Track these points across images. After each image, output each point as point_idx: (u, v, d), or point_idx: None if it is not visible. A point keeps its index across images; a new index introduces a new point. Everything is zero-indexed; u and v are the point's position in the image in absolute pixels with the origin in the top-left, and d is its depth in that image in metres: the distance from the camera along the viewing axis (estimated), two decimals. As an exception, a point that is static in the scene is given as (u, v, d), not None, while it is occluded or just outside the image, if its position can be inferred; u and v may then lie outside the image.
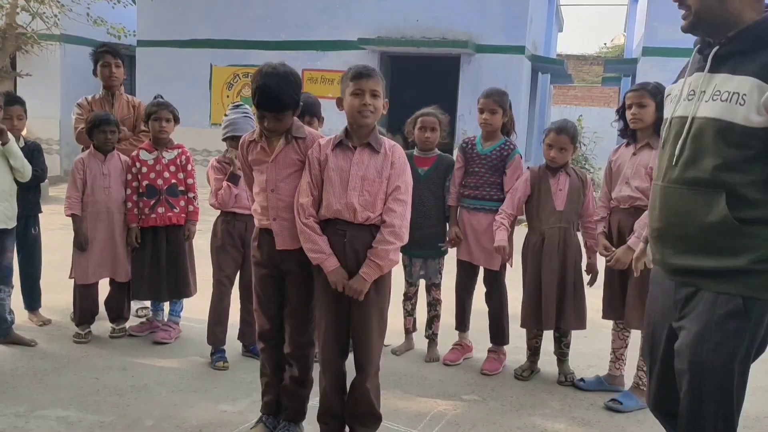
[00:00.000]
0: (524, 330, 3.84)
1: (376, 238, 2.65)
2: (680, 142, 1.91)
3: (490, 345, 4.01)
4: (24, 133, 4.43)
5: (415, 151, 4.01)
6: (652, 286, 2.15)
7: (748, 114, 1.76)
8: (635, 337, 3.61)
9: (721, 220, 1.81)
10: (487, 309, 4.01)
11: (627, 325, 3.53)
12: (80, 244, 4.09)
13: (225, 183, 3.72)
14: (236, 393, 3.42)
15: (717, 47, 1.87)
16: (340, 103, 2.74)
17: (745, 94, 1.77)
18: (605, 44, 28.16)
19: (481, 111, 3.88)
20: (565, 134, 3.62)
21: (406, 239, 2.70)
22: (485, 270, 3.96)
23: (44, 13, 10.62)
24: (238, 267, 3.84)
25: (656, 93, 3.28)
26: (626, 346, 3.64)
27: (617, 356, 3.65)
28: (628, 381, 3.60)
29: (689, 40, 1.97)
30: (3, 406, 3.14)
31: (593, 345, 4.24)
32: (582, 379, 3.73)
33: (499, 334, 3.98)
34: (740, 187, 1.80)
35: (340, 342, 2.78)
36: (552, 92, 18.64)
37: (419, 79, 12.84)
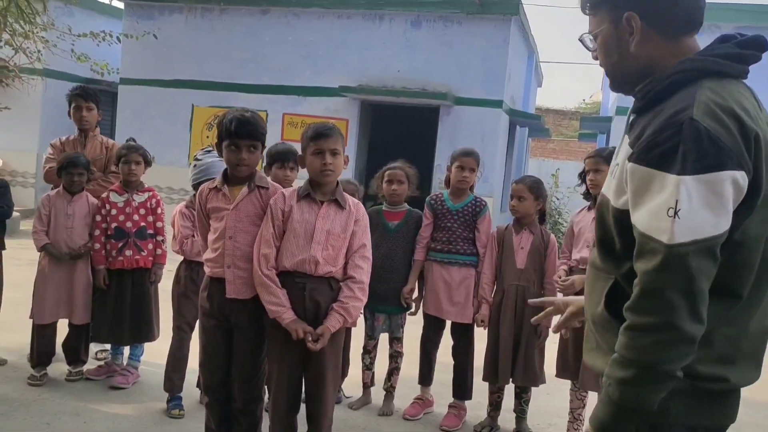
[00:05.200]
0: (487, 385, 3.86)
1: (344, 293, 2.70)
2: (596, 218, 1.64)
3: (452, 400, 4.01)
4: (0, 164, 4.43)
5: (384, 206, 4.06)
6: None
7: (617, 191, 1.46)
8: (594, 396, 3.63)
9: (601, 311, 1.51)
10: (448, 362, 4.02)
11: (582, 387, 3.56)
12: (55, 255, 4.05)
13: (192, 237, 3.71)
14: (190, 443, 3.37)
15: (632, 105, 1.56)
16: (302, 161, 2.80)
17: (618, 165, 1.48)
18: (584, 100, 28.75)
19: (461, 168, 3.92)
20: (522, 183, 3.77)
21: (367, 294, 2.75)
22: (454, 324, 3.98)
23: (28, 48, 10.66)
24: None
25: (611, 159, 3.40)
26: (584, 407, 3.66)
27: (575, 416, 3.67)
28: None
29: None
30: (-54, 450, 3.08)
31: (555, 403, 4.24)
32: (540, 438, 3.74)
33: (462, 388, 3.99)
34: (623, 277, 1.47)
35: (293, 395, 2.78)
36: (530, 145, 18.97)
37: (399, 128, 13.03)
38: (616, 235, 1.48)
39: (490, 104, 11.02)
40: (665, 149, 1.32)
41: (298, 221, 2.73)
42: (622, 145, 1.54)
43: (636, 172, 1.36)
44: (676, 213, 1.28)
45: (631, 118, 1.54)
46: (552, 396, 4.25)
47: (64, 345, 4.21)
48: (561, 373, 3.63)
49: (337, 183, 2.82)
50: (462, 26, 11.22)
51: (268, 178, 3.00)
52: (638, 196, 1.36)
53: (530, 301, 2.12)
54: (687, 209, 1.28)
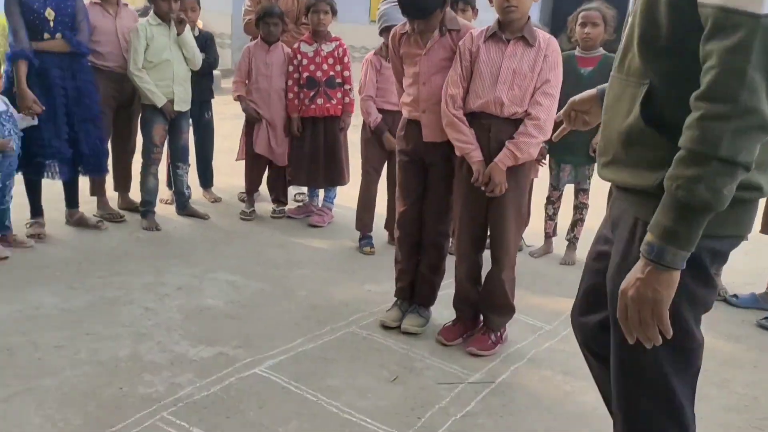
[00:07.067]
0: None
1: (519, 129, 2.65)
2: (629, 20, 1.48)
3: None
4: (200, 25, 4.77)
5: (577, 51, 3.84)
6: None
7: None
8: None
9: (634, 121, 1.40)
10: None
11: None
12: (252, 119, 4.42)
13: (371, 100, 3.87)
14: (380, 276, 3.65)
15: None
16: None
17: None
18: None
19: None
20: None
21: (548, 135, 2.68)
22: None
23: None
24: (385, 159, 4.00)
25: None
26: None
27: None
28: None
29: None
30: (183, 267, 3.61)
31: (757, 262, 3.94)
32: (735, 295, 3.58)
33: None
34: (666, 77, 1.35)
35: (476, 235, 2.86)
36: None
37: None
38: (667, 22, 1.32)
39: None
40: None
41: (484, 62, 2.68)
42: None
43: None
44: None
45: None
46: (751, 256, 3.96)
47: (268, 185, 4.65)
48: (765, 228, 3.42)
49: (528, 18, 2.68)
50: None
51: (460, 19, 2.92)
52: None
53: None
54: None
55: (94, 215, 4.21)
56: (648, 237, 1.28)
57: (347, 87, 4.36)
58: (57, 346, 2.67)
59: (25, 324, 2.84)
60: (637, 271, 1.30)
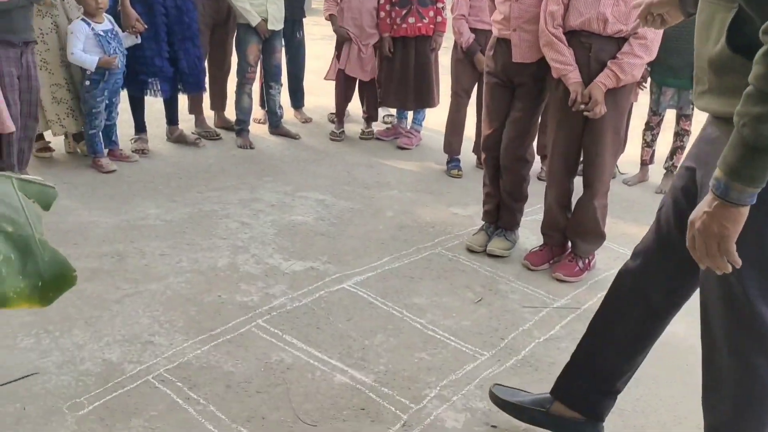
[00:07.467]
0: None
1: (622, 48, 2.52)
2: None
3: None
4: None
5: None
6: None
7: None
8: None
9: (722, 47, 1.31)
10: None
11: None
12: (342, 38, 4.41)
13: (463, 18, 3.74)
14: (467, 199, 3.65)
15: None
16: None
17: None
18: None
19: None
20: None
21: (654, 55, 2.53)
22: None
23: None
24: (475, 81, 3.91)
25: None
26: None
27: None
28: None
29: None
30: (276, 184, 3.73)
31: None
32: None
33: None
34: (753, 1, 1.22)
35: (570, 158, 2.78)
36: None
37: None
38: None
39: None
40: None
41: None
42: None
43: None
44: None
45: None
46: None
47: (360, 99, 4.66)
48: None
49: None
50: None
51: None
52: None
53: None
54: None
55: (192, 133, 4.38)
56: (716, 172, 1.23)
57: (440, 5, 4.25)
58: (161, 254, 2.86)
59: (132, 233, 3.04)
60: (705, 205, 1.26)
